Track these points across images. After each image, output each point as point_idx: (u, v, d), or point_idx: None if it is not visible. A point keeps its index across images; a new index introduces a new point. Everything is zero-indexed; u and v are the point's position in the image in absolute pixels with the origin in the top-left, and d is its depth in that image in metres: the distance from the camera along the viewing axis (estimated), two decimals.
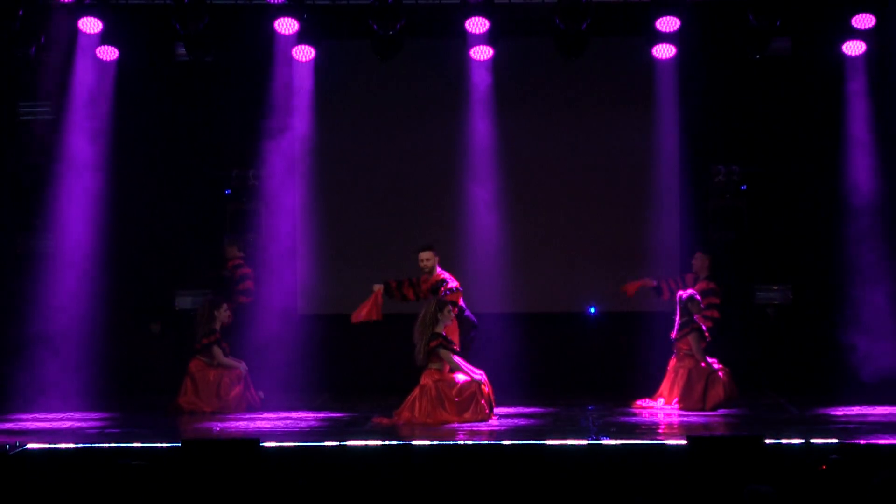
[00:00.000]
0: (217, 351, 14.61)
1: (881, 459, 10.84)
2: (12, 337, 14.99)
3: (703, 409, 14.01)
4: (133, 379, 15.99)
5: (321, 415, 14.04)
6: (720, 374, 14.22)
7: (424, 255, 14.14)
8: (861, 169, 15.42)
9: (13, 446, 11.46)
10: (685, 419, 13.52)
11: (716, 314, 14.94)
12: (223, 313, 14.72)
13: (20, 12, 14.28)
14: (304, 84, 16.03)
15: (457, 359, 13.53)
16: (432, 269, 14.18)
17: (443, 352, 13.46)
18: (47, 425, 13.36)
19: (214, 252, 16.11)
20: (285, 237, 16.16)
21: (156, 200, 16.40)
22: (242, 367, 14.66)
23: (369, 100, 16.54)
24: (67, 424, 13.43)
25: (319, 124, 16.38)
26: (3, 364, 14.94)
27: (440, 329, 13.49)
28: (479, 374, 13.54)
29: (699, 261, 15.18)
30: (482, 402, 13.36)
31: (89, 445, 11.72)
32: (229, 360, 14.65)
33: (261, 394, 14.57)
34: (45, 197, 15.32)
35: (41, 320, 15.03)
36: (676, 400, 14.23)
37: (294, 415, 14.03)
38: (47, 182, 15.30)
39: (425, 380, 13.48)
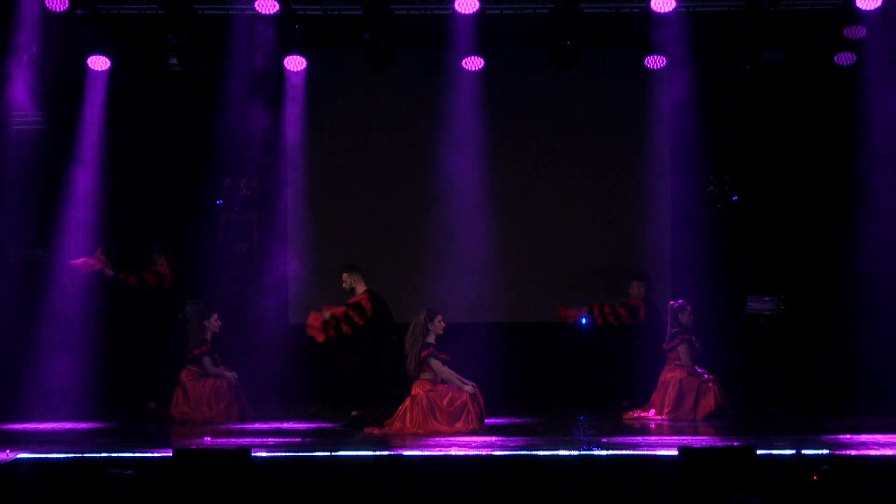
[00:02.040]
0: (207, 361, 14.61)
1: (872, 471, 10.86)
2: (6, 346, 14.98)
3: (694, 420, 14.03)
4: (125, 388, 15.94)
5: (312, 425, 14.03)
6: (711, 384, 14.24)
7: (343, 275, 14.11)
8: (853, 179, 15.44)
9: (4, 456, 11.46)
10: (676, 429, 13.53)
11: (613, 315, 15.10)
12: (213, 323, 14.73)
13: (13, 22, 14.31)
14: (296, 94, 16.06)
15: (447, 369, 13.55)
16: (352, 291, 14.11)
17: (433, 362, 13.47)
18: (39, 434, 13.35)
19: (206, 262, 16.14)
20: (277, 247, 16.17)
21: (147, 210, 16.39)
22: (233, 376, 14.67)
23: (361, 109, 16.56)
24: (59, 433, 13.42)
25: (311, 134, 16.42)
26: None
27: (431, 339, 13.51)
28: (469, 385, 13.55)
29: (635, 289, 15.20)
30: (473, 412, 13.37)
31: (80, 455, 11.72)
32: (220, 370, 14.66)
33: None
34: (39, 206, 15.32)
35: (34, 329, 15.04)
36: (668, 410, 14.24)
37: (285, 425, 14.01)
38: (41, 191, 15.30)
39: (416, 390, 13.49)
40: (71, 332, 15.27)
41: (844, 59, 15.11)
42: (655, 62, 15.31)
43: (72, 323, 15.30)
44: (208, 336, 14.68)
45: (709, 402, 14.16)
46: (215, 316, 14.74)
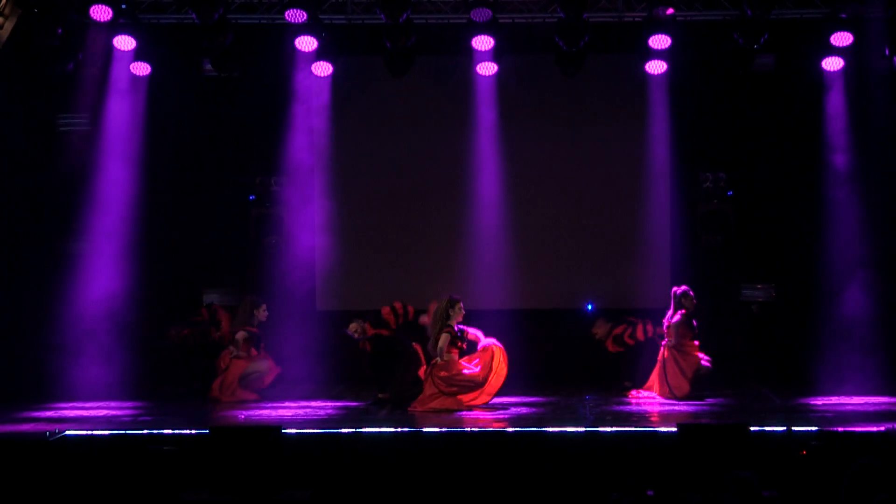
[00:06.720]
0: (259, 344, 14.75)
1: (858, 446, 10.87)
2: (53, 331, 15.04)
3: (690, 399, 14.02)
4: (165, 370, 15.97)
5: (338, 404, 14.07)
6: (706, 365, 14.22)
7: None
8: (839, 175, 15.42)
9: (53, 433, 11.52)
10: (675, 408, 13.54)
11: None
12: (262, 313, 14.85)
13: (59, 31, 14.34)
14: (322, 97, 16.07)
15: (471, 333, 13.74)
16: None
17: (443, 337, 13.47)
18: (85, 413, 13.40)
19: (240, 253, 16.21)
20: (305, 239, 16.17)
21: (185, 205, 16.42)
22: (269, 360, 14.76)
23: (383, 111, 16.56)
24: (103, 412, 13.47)
25: (337, 134, 16.41)
26: (44, 356, 15.00)
27: (452, 322, 13.53)
28: (492, 341, 13.71)
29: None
30: (487, 389, 13.50)
31: (124, 432, 11.78)
32: (263, 353, 14.76)
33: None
34: (82, 203, 15.36)
35: (79, 316, 15.09)
36: (666, 390, 14.24)
37: (313, 404, 14.05)
38: (84, 189, 15.35)
39: (437, 370, 13.51)
40: (115, 318, 15.31)
41: (832, 63, 15.08)
42: (655, 67, 15.29)
43: (115, 309, 15.33)
44: (255, 323, 14.79)
45: (702, 381, 14.16)
46: (264, 307, 14.87)
